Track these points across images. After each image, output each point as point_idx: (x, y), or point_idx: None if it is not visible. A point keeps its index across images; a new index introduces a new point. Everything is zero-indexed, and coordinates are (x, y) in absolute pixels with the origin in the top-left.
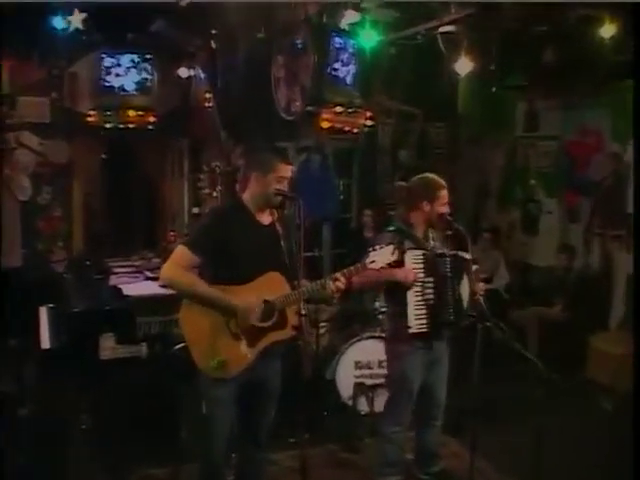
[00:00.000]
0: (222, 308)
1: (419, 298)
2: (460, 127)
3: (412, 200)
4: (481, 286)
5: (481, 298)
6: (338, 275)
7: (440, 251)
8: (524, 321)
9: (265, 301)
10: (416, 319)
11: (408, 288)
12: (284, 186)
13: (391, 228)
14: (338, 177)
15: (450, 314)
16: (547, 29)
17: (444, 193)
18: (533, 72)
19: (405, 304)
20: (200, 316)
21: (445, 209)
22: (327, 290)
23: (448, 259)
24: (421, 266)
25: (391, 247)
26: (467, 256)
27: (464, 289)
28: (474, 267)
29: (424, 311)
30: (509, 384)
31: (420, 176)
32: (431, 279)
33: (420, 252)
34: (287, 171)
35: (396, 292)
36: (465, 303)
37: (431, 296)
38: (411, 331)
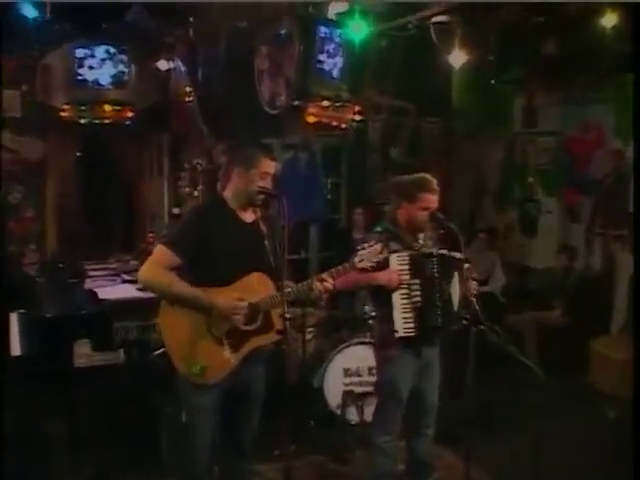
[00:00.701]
0: (204, 309)
1: (405, 301)
2: (455, 123)
3: (395, 199)
4: (473, 285)
5: (474, 300)
6: (325, 275)
7: (427, 251)
8: (522, 326)
9: (249, 303)
10: (403, 323)
11: (393, 291)
12: (267, 183)
13: (378, 228)
14: (326, 175)
15: (438, 317)
16: (546, 19)
17: (426, 196)
18: (532, 64)
19: (392, 307)
20: (180, 320)
21: (422, 213)
22: (314, 291)
23: (435, 259)
24: (407, 268)
25: (379, 245)
26: (457, 255)
27: (454, 290)
28: (466, 266)
29: (411, 314)
30: (505, 390)
31: (412, 175)
32: (417, 281)
33: (405, 253)
34: (271, 167)
35: (382, 295)
36: (455, 305)
37: (418, 299)
38: (398, 335)
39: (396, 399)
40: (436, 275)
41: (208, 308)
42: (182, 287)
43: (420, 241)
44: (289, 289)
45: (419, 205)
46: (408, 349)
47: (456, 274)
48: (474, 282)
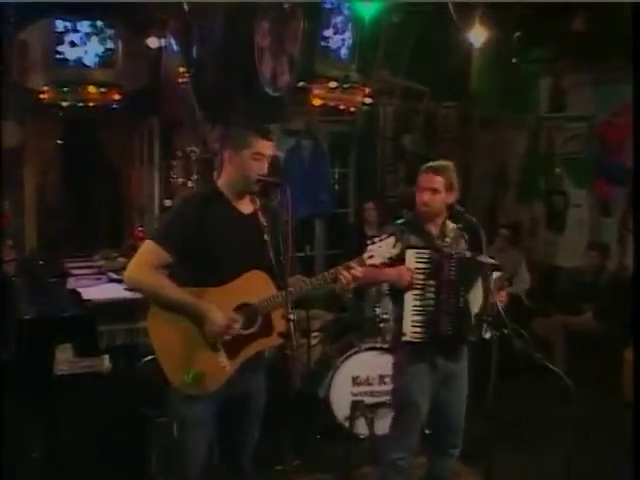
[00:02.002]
0: (194, 315)
1: (417, 303)
2: (474, 107)
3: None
4: (502, 296)
5: (499, 303)
6: (352, 263)
7: (449, 252)
8: (549, 331)
9: (246, 304)
10: (412, 326)
11: (406, 290)
12: (263, 167)
13: (399, 221)
14: (332, 165)
15: (448, 325)
16: None
17: (425, 177)
18: (560, 42)
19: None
20: (172, 323)
21: (423, 196)
22: (340, 282)
23: (454, 261)
24: (423, 266)
25: (392, 239)
26: (485, 260)
27: (475, 298)
28: (497, 274)
29: (421, 318)
30: (531, 402)
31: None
32: (432, 282)
33: (425, 250)
34: (265, 147)
35: (397, 294)
36: (473, 316)
37: (431, 302)
38: (405, 339)
39: (412, 412)
40: (453, 278)
41: (197, 315)
42: (173, 291)
43: (447, 239)
44: (312, 279)
45: (420, 187)
46: (419, 357)
47: (480, 281)
48: (504, 292)
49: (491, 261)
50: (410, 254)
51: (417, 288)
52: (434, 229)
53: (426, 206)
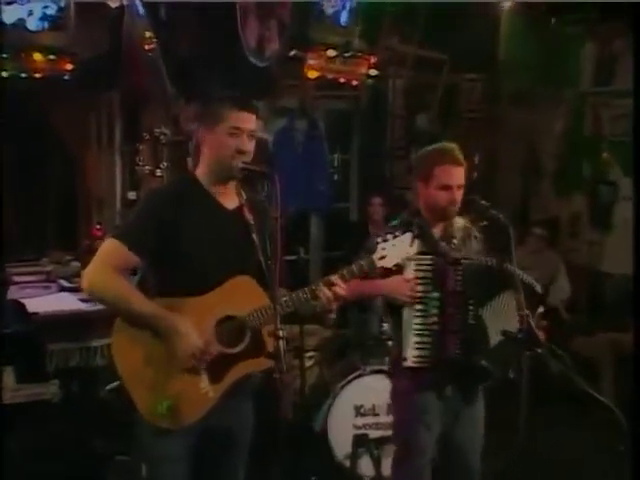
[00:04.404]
0: (164, 333)
1: (419, 320)
2: (503, 80)
3: (412, 180)
4: (538, 317)
5: (528, 313)
6: (334, 278)
7: (455, 256)
8: (593, 351)
9: (230, 317)
10: (414, 349)
11: (403, 305)
12: (242, 143)
13: (394, 222)
14: (332, 150)
15: (455, 346)
16: None
17: (443, 169)
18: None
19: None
20: (142, 340)
21: (444, 196)
22: (320, 300)
23: (460, 268)
24: (425, 276)
25: (409, 236)
26: (508, 267)
27: (492, 316)
28: (527, 279)
29: (425, 339)
30: (571, 440)
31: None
32: (436, 295)
33: (427, 257)
34: (244, 121)
35: (395, 310)
36: (492, 338)
37: (435, 319)
38: (406, 364)
39: (417, 449)
40: (460, 289)
41: (171, 336)
42: (139, 302)
43: (454, 241)
44: (285, 298)
45: (435, 183)
46: (424, 385)
47: (504, 295)
48: (541, 308)
49: (512, 268)
50: (410, 262)
51: (418, 302)
52: (437, 229)
53: (455, 205)
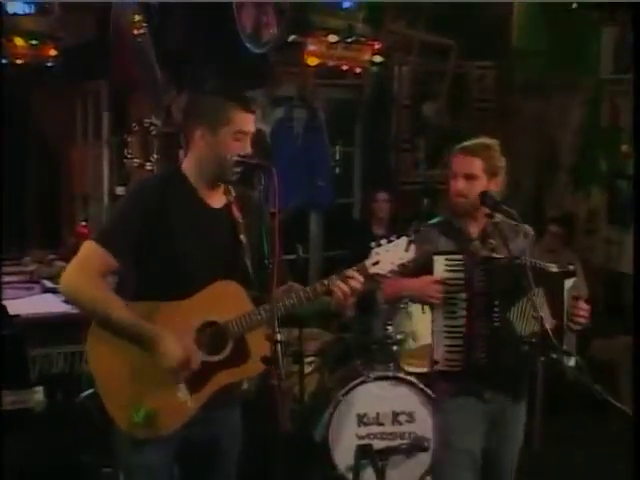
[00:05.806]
0: (144, 343)
1: (448, 322)
2: (516, 67)
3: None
4: (581, 315)
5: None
6: (350, 272)
7: (481, 255)
8: (612, 356)
9: (212, 323)
10: (446, 352)
11: (432, 306)
12: (246, 147)
13: (433, 221)
14: (333, 142)
15: (481, 351)
16: None
17: (455, 157)
18: None
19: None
20: (117, 346)
21: (457, 184)
22: (336, 295)
23: (484, 267)
24: (454, 276)
25: (404, 240)
26: (548, 266)
27: (521, 317)
28: (569, 282)
29: (457, 341)
30: (589, 450)
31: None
32: (463, 296)
33: (457, 256)
34: (249, 123)
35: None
36: (520, 338)
37: (462, 321)
38: (437, 368)
39: (454, 464)
40: (484, 290)
41: (151, 346)
42: (117, 309)
43: (492, 241)
44: (292, 298)
45: (449, 173)
46: (462, 389)
47: (539, 294)
48: (582, 306)
49: (551, 267)
50: (439, 261)
51: (447, 304)
52: (474, 228)
53: (460, 196)
